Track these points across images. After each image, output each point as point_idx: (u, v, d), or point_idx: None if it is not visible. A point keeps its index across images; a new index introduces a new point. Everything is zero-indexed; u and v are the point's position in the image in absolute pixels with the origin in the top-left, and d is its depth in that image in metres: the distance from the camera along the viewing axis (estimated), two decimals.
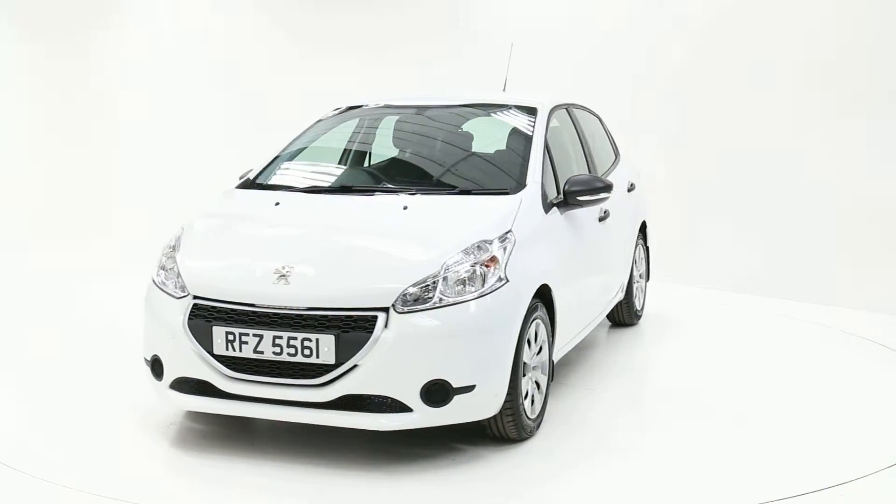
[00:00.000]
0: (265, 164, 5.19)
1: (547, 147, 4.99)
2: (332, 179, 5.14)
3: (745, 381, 5.43)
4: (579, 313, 5.08)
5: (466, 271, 4.01)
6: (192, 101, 11.16)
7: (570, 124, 5.65)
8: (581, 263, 5.05)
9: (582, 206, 4.90)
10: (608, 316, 6.40)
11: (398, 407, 3.87)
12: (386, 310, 3.87)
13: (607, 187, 4.88)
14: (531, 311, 4.22)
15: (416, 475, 3.97)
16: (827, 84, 7.78)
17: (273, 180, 5.03)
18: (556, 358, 4.73)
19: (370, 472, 3.99)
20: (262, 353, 3.90)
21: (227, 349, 3.96)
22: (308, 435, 4.37)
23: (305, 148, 5.33)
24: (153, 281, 4.39)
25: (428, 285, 3.94)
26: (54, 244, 10.05)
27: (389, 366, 3.82)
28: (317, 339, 3.84)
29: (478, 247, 4.10)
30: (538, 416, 4.45)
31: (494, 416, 4.13)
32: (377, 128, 5.60)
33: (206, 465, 4.09)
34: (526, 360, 4.24)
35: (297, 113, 7.16)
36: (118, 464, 4.17)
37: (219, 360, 3.99)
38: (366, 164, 5.42)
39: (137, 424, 4.57)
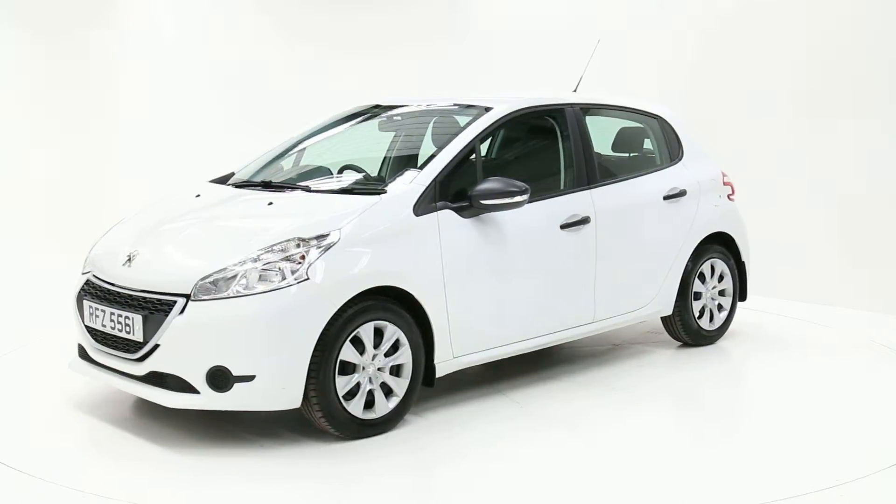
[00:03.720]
0: (248, 163, 5.50)
1: (476, 150, 4.90)
2: (259, 176, 5.30)
3: (743, 380, 5.43)
4: (500, 322, 4.88)
5: (269, 266, 4.15)
6: (192, 101, 11.15)
7: (568, 126, 5.38)
8: (501, 270, 4.84)
9: (490, 210, 4.72)
10: (672, 335, 6.04)
11: (189, 388, 4.15)
12: (187, 296, 4.15)
13: (510, 193, 4.66)
14: (361, 312, 4.25)
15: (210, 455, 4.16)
16: (828, 84, 7.78)
17: (237, 176, 5.35)
18: (454, 367, 4.69)
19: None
20: (105, 326, 4.43)
21: (91, 321, 4.54)
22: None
23: (286, 147, 5.59)
24: None
25: (226, 277, 4.15)
26: (54, 243, 10.04)
27: (180, 348, 4.16)
28: (132, 318, 4.27)
29: (296, 244, 4.23)
30: (383, 417, 4.38)
31: (305, 410, 4.23)
32: (341, 130, 5.69)
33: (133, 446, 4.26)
34: (352, 360, 4.25)
35: (297, 113, 7.18)
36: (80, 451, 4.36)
37: (87, 331, 4.59)
38: (302, 163, 5.50)
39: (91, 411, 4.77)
